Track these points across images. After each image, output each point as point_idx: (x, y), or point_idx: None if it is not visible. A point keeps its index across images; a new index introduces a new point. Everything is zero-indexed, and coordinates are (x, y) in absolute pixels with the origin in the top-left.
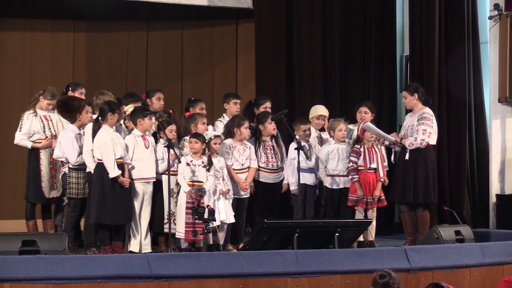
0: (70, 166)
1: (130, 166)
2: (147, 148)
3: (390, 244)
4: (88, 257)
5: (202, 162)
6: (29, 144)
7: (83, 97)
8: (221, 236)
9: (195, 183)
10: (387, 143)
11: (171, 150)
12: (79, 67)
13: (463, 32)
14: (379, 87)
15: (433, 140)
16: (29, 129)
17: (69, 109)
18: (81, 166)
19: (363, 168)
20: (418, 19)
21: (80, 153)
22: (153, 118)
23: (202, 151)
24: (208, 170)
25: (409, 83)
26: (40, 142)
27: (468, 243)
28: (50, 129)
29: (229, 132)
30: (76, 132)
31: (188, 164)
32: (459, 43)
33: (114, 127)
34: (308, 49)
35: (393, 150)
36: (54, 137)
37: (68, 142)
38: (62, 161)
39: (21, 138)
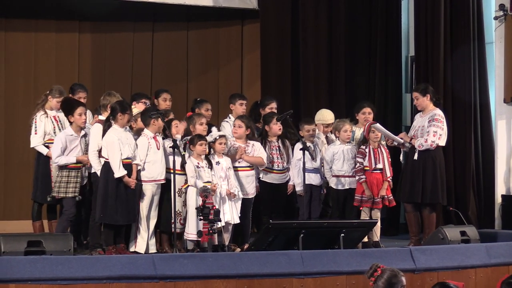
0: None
1: (139, 167)
2: (159, 149)
3: (395, 245)
4: (94, 258)
5: (206, 164)
6: (44, 151)
7: (83, 100)
8: (226, 236)
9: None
10: (395, 143)
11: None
12: (84, 67)
13: (468, 33)
14: (384, 88)
15: (442, 142)
16: (44, 130)
17: (65, 109)
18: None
19: (368, 168)
20: (423, 19)
21: (61, 154)
22: (160, 118)
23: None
24: (211, 170)
25: (414, 83)
26: (51, 143)
27: (474, 244)
28: (60, 129)
29: (186, 131)
30: (68, 134)
31: (197, 167)
32: (465, 43)
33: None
34: (313, 50)
35: (401, 149)
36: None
37: (56, 139)
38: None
39: (39, 142)
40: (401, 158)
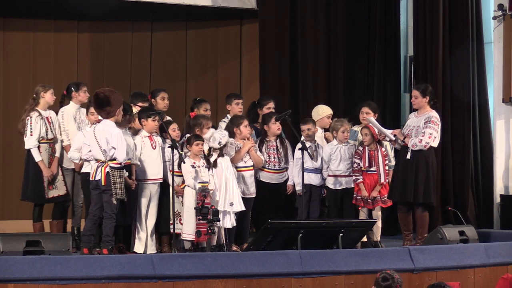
0: (112, 165)
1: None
2: (154, 148)
3: (395, 245)
4: (92, 258)
5: (204, 163)
6: (37, 158)
7: (87, 94)
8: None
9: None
10: (387, 139)
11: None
12: (82, 67)
13: (467, 32)
14: (383, 88)
15: (435, 143)
16: (39, 132)
17: (110, 103)
18: (122, 165)
19: (364, 169)
20: (422, 19)
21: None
22: (157, 118)
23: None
24: (209, 170)
25: (413, 83)
26: (43, 144)
27: (472, 244)
28: (52, 131)
29: (229, 132)
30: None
31: (193, 166)
32: (463, 43)
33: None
34: (312, 50)
35: (393, 146)
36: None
37: (118, 138)
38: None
39: (34, 144)
40: (391, 155)
